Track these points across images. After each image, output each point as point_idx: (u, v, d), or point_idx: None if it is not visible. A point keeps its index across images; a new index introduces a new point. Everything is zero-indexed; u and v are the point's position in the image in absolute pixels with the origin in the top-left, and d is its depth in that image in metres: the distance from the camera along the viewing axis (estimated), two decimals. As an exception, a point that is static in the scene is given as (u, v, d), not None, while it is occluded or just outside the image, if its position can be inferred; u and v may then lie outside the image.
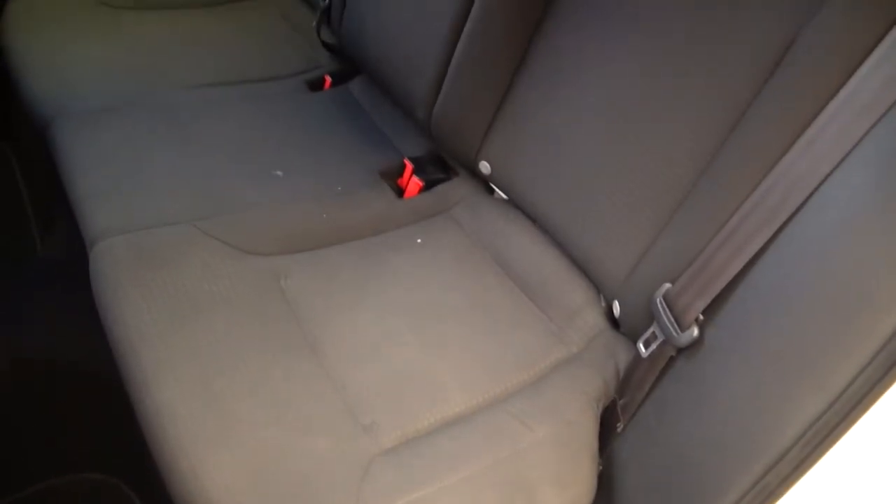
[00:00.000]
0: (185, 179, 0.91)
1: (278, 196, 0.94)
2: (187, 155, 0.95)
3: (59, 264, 1.09)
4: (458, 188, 1.04)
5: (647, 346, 0.71)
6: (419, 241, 0.95)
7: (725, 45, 0.68)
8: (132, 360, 0.69)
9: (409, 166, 1.04)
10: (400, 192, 1.04)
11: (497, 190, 1.01)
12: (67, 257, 0.94)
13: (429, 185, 1.03)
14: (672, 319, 0.67)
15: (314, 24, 1.22)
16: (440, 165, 1.07)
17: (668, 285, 0.70)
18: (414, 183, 1.03)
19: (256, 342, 0.73)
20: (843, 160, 0.57)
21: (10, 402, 0.95)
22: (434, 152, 1.09)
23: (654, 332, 0.70)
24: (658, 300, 0.69)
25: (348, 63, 1.23)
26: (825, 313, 0.55)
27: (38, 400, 0.98)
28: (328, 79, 1.23)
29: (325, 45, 1.24)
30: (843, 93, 0.58)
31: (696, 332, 0.65)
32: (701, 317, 0.65)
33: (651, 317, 0.71)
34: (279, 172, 0.98)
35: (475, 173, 1.01)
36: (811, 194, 0.58)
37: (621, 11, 0.78)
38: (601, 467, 0.74)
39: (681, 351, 0.68)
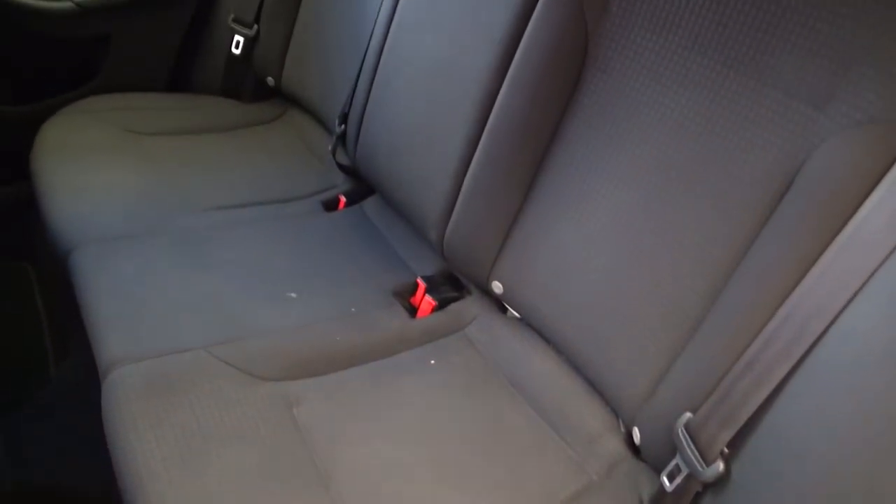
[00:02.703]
0: (200, 304, 0.92)
1: (292, 319, 0.94)
2: (203, 279, 0.96)
3: (72, 389, 1.09)
4: (471, 307, 1.04)
5: (671, 479, 0.68)
6: (432, 362, 0.94)
7: (730, 172, 0.70)
8: (138, 496, 0.68)
9: (422, 285, 1.05)
10: (413, 312, 1.04)
11: (510, 308, 1.01)
12: (80, 383, 0.94)
13: (442, 305, 1.03)
14: (696, 452, 0.65)
15: (330, 147, 1.26)
16: (453, 284, 1.08)
17: (689, 415, 0.68)
18: (427, 302, 1.03)
19: (267, 477, 0.71)
20: (859, 290, 0.56)
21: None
22: (446, 270, 1.10)
23: (677, 465, 0.68)
24: (680, 430, 0.67)
25: (362, 183, 1.27)
26: (857, 450, 0.53)
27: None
28: (342, 199, 1.26)
29: (340, 166, 1.29)
30: (852, 223, 0.59)
31: (721, 466, 0.62)
32: (726, 450, 0.63)
33: (674, 447, 0.69)
34: (293, 294, 0.98)
35: (488, 292, 1.01)
36: (830, 325, 0.57)
37: (627, 135, 0.80)
38: None
39: (707, 486, 0.65)
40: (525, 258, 0.92)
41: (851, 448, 0.54)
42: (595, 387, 0.87)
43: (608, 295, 0.82)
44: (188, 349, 0.84)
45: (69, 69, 1.40)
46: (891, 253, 0.54)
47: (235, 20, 1.44)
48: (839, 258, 0.58)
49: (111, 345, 0.83)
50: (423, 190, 1.03)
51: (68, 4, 1.30)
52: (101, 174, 1.16)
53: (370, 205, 1.24)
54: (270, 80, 1.45)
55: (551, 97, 0.86)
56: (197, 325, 0.88)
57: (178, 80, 1.54)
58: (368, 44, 1.13)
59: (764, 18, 0.67)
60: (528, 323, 0.97)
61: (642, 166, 0.79)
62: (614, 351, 0.81)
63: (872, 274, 0.56)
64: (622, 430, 0.84)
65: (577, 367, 0.89)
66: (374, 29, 1.11)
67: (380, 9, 1.10)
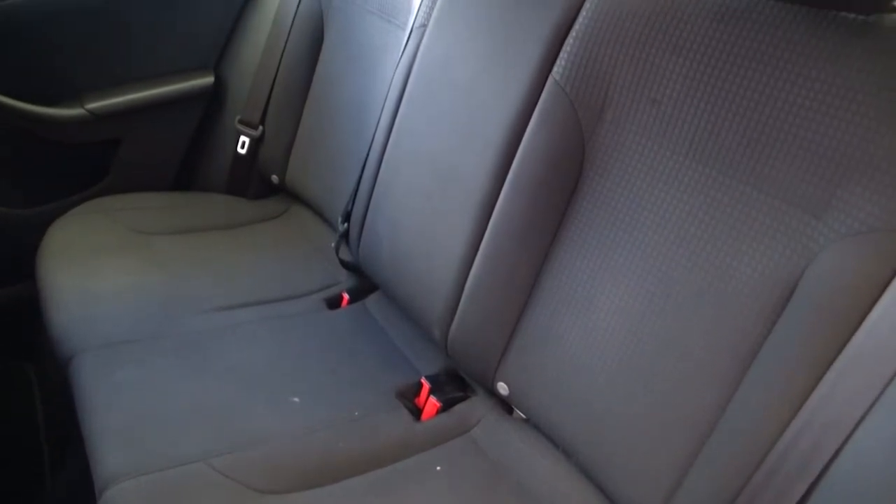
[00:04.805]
0: (200, 413, 0.90)
1: (294, 426, 0.92)
2: (204, 386, 0.95)
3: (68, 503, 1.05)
4: (476, 407, 1.02)
5: None
6: (438, 468, 0.91)
7: (731, 277, 0.70)
8: None
9: (426, 386, 1.04)
10: (417, 413, 1.02)
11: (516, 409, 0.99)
12: (77, 497, 0.91)
13: (447, 406, 1.01)
14: (716, 573, 0.62)
15: (333, 244, 1.27)
16: (457, 383, 1.07)
17: (707, 532, 0.65)
18: (431, 404, 1.02)
19: None
20: (875, 402, 0.55)
21: None
22: (451, 369, 1.08)
23: (697, 585, 0.65)
24: (699, 549, 0.65)
25: (365, 279, 1.27)
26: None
27: None
28: (345, 296, 1.26)
29: (343, 263, 1.29)
30: (860, 333, 0.58)
31: (743, 589, 0.60)
32: (749, 573, 0.60)
33: (693, 566, 0.66)
34: (296, 399, 0.97)
35: (493, 393, 1.00)
36: (847, 439, 0.56)
37: (628, 238, 0.81)
38: None
39: None
40: (530, 359, 0.91)
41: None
42: (606, 494, 0.84)
43: (616, 399, 0.80)
44: (187, 462, 0.82)
45: (78, 171, 1.43)
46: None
47: (241, 122, 1.48)
48: (850, 369, 0.58)
49: (108, 459, 0.81)
50: (426, 288, 1.03)
51: (80, 111, 1.34)
52: (106, 277, 1.16)
53: (373, 301, 1.24)
54: (275, 178, 1.48)
55: (551, 200, 0.87)
56: (197, 435, 0.87)
57: (185, 178, 1.58)
58: (371, 145, 1.16)
59: (756, 128, 0.69)
60: (536, 425, 0.95)
61: (644, 270, 0.79)
62: (624, 458, 0.79)
63: (887, 385, 0.55)
64: (637, 542, 0.80)
65: (586, 472, 0.87)
66: (375, 131, 1.14)
67: (381, 112, 1.14)
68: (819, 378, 0.60)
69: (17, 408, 1.28)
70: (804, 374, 0.61)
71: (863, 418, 0.55)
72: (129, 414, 0.88)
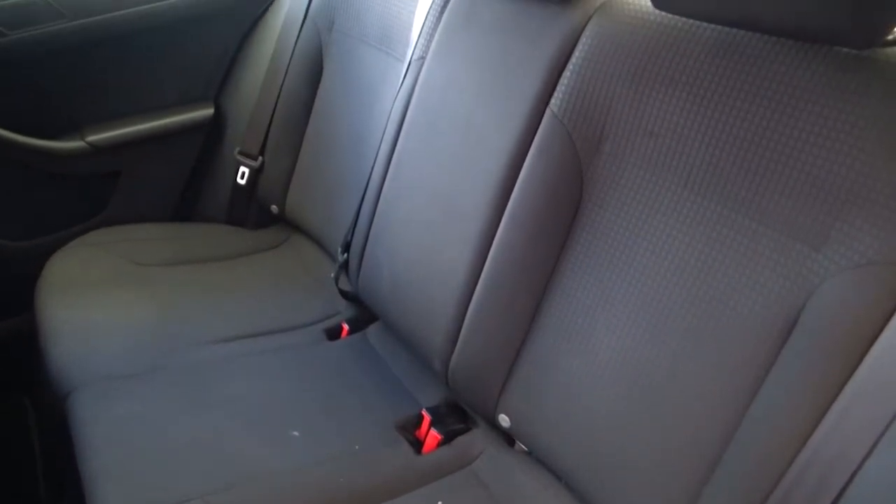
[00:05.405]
0: (199, 448, 0.89)
1: (294, 461, 0.91)
2: (203, 420, 0.94)
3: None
4: (478, 440, 1.01)
5: None
6: (440, 503, 0.90)
7: (732, 309, 0.70)
8: None
9: (427, 418, 1.03)
10: (418, 446, 1.01)
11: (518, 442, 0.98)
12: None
13: (448, 438, 1.01)
14: None
15: (333, 275, 1.27)
16: (459, 415, 1.06)
17: (714, 569, 0.64)
18: (432, 436, 1.01)
19: None
20: (881, 436, 0.55)
21: None
22: (452, 401, 1.07)
23: None
24: (705, 587, 0.64)
25: (365, 309, 1.27)
26: None
27: None
28: (345, 326, 1.25)
29: (342, 293, 1.29)
30: (864, 366, 0.58)
31: None
32: None
33: None
34: (295, 433, 0.96)
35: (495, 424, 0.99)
36: (853, 475, 0.55)
37: (627, 270, 0.81)
38: None
39: None
40: (532, 390, 0.91)
41: None
42: (611, 530, 0.83)
43: (619, 433, 0.80)
44: (185, 500, 0.81)
45: (77, 203, 1.44)
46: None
47: (241, 153, 1.49)
48: (855, 403, 0.57)
49: (106, 497, 0.80)
50: (427, 319, 1.03)
51: (80, 144, 1.35)
52: (105, 310, 1.16)
53: (373, 332, 1.24)
54: (274, 209, 1.49)
55: (550, 231, 0.87)
56: (195, 471, 0.86)
57: (185, 209, 1.58)
58: (370, 175, 1.16)
59: (754, 160, 0.69)
60: (538, 457, 0.94)
61: (643, 301, 0.78)
62: (627, 491, 0.78)
63: (893, 419, 0.54)
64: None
65: (590, 505, 0.86)
66: (375, 162, 1.15)
67: (380, 144, 1.14)
68: (824, 412, 0.59)
69: (14, 442, 1.26)
70: (808, 408, 0.60)
71: (870, 452, 0.55)
72: (126, 450, 0.87)
